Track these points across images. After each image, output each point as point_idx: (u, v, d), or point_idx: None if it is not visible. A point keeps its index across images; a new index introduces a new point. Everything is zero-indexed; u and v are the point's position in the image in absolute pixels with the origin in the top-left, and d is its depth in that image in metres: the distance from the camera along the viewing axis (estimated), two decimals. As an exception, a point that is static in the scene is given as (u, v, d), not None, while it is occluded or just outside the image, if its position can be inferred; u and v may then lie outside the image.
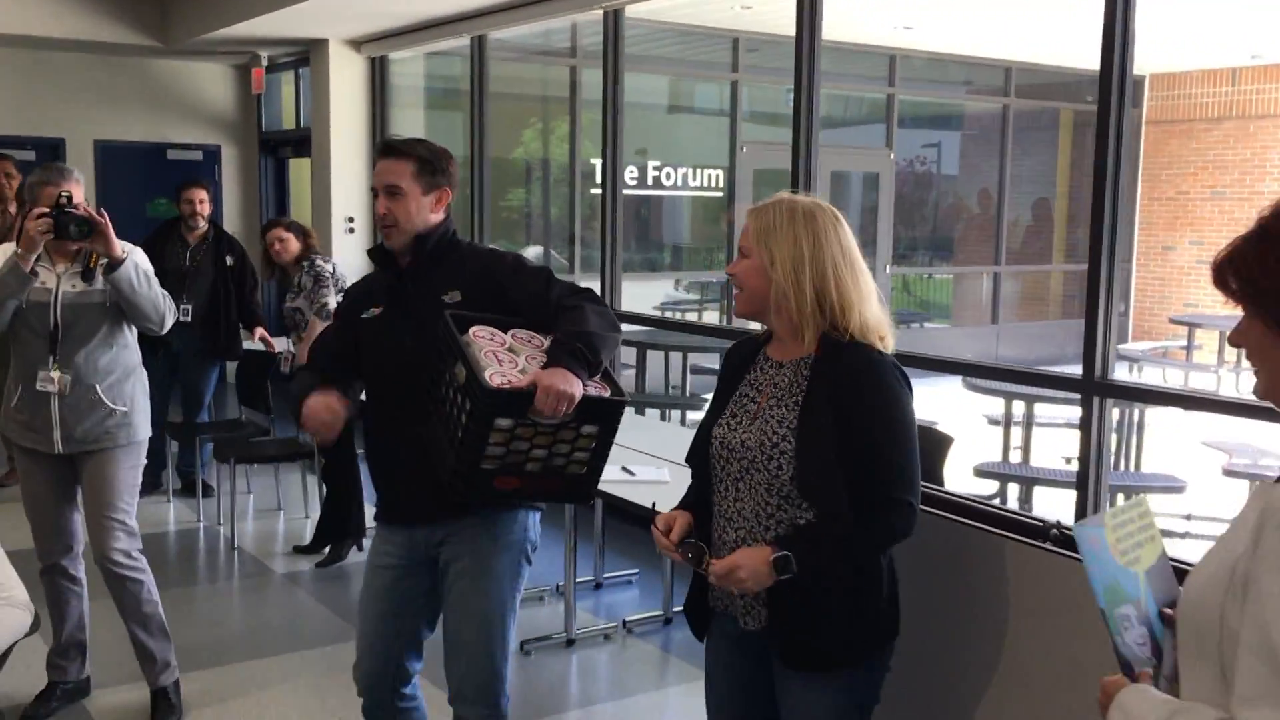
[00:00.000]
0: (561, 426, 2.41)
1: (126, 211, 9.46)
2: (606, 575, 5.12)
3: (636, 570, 5.20)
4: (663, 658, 4.44)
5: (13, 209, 6.24)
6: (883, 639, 2.24)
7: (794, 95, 4.97)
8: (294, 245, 5.56)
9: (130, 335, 3.63)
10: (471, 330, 2.53)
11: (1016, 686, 2.49)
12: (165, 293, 3.57)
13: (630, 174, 10.20)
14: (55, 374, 3.45)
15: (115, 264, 3.38)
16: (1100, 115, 3.81)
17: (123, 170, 9.54)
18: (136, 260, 3.47)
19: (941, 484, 4.17)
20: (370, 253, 2.85)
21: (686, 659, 4.36)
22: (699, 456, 2.31)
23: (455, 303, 2.63)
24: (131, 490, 3.60)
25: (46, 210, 3.30)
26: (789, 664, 2.21)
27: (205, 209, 6.32)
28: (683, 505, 2.35)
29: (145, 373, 3.68)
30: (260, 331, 6.41)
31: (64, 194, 3.33)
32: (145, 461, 3.70)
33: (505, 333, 2.56)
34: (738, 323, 10.53)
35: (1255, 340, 1.45)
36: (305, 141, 9.01)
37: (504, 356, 2.49)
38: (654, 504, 2.58)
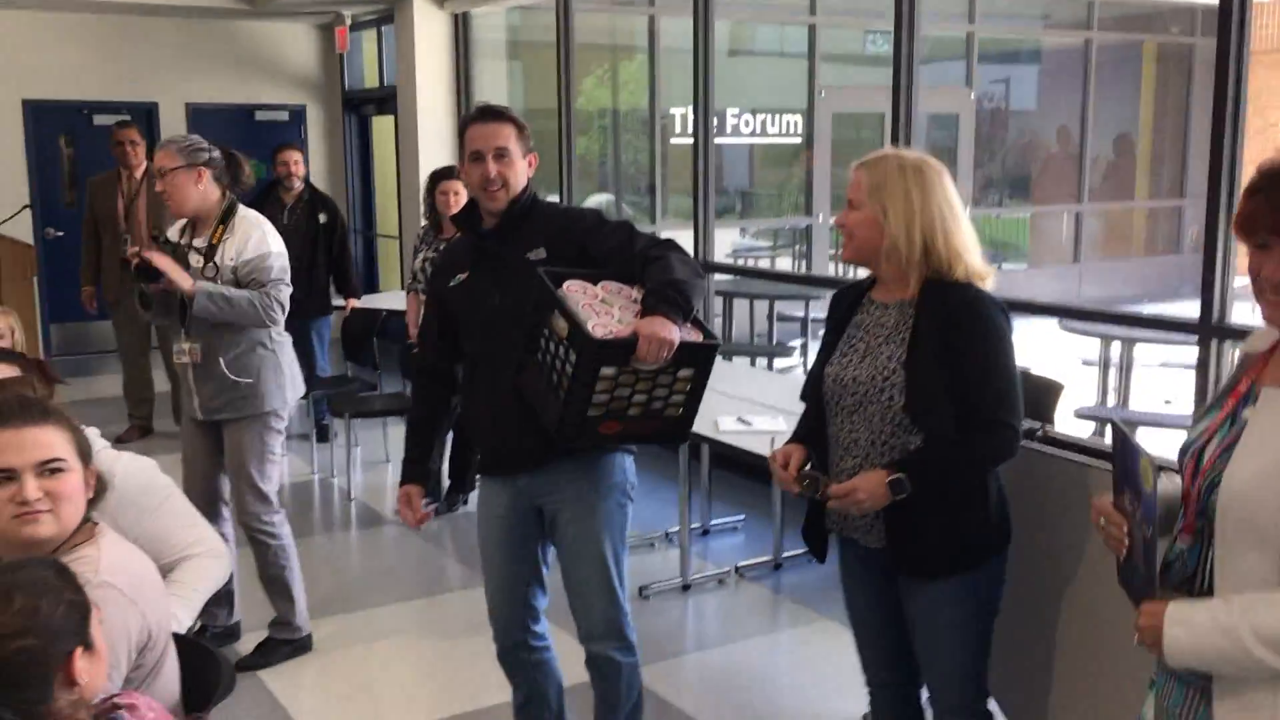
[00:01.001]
0: (661, 372, 2.54)
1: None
2: (714, 522, 5.24)
3: (743, 517, 5.31)
4: (774, 601, 4.56)
5: (138, 174, 6.45)
6: (993, 548, 2.46)
7: (894, 36, 4.96)
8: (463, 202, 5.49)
9: None
10: (565, 284, 2.65)
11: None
12: (261, 293, 3.70)
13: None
14: (187, 345, 3.68)
15: (189, 299, 3.57)
16: (1220, 43, 3.77)
17: (213, 132, 9.52)
18: (208, 289, 3.59)
19: (1051, 423, 4.24)
20: (455, 218, 3.02)
21: (798, 602, 4.48)
22: (813, 394, 2.53)
23: (540, 260, 2.75)
24: (261, 457, 3.81)
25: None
26: (909, 573, 2.44)
27: (299, 170, 6.52)
28: (795, 439, 2.58)
29: (282, 346, 3.86)
30: (352, 304, 6.58)
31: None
32: (280, 430, 3.89)
33: (596, 285, 2.68)
34: (819, 269, 10.55)
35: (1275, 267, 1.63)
36: (388, 100, 9.13)
37: (599, 308, 2.62)
38: (772, 441, 2.69)
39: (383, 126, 9.78)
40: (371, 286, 9.88)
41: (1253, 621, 1.60)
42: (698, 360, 2.59)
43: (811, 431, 2.55)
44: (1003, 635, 2.53)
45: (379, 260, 10.41)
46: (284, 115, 10.03)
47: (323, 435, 6.52)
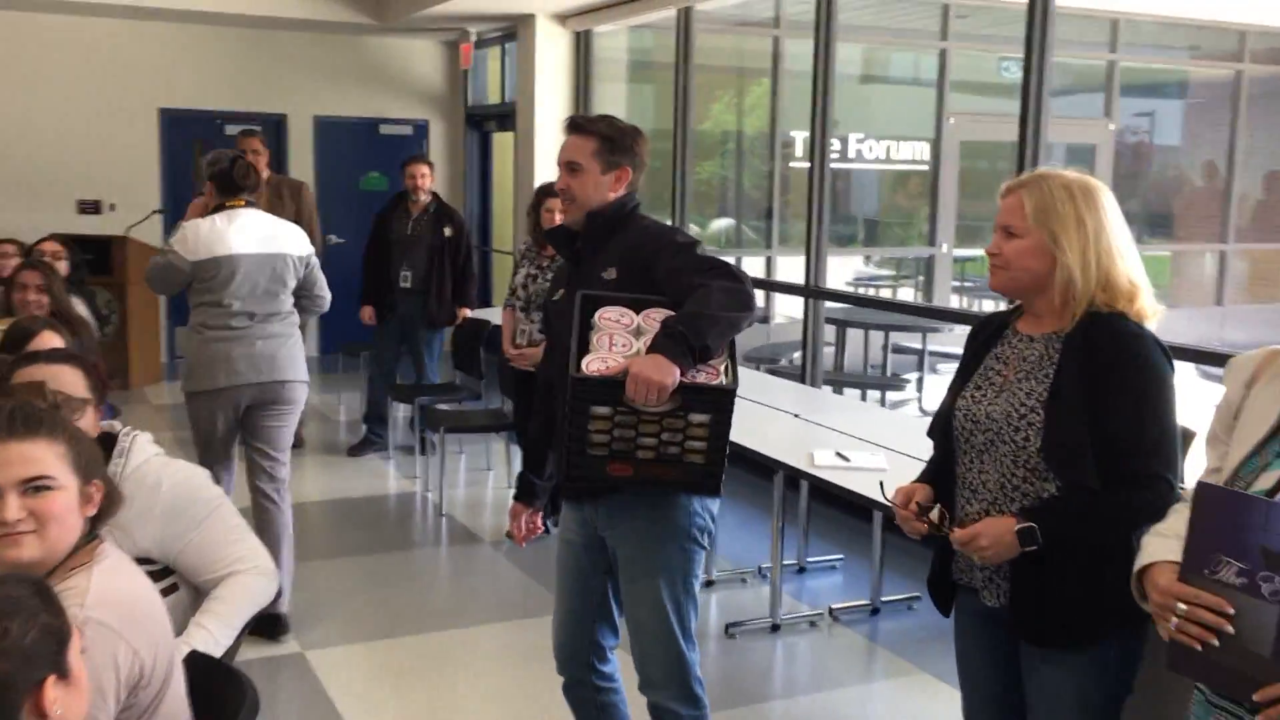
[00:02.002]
0: (668, 415, 2.35)
1: (341, 185, 9.88)
2: (810, 559, 5.01)
3: (841, 556, 5.07)
4: (870, 649, 4.31)
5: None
6: (1132, 620, 2.10)
7: (1024, 63, 4.69)
8: None
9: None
10: (601, 311, 2.51)
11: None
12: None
13: (832, 147, 9.97)
14: None
15: None
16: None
17: (338, 145, 9.92)
18: None
19: (1181, 480, 3.92)
20: (549, 233, 2.91)
21: (895, 651, 4.23)
22: (941, 430, 2.29)
23: (610, 280, 2.62)
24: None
25: None
26: (1031, 640, 2.17)
27: (425, 183, 6.62)
28: (920, 479, 2.34)
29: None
30: (464, 314, 6.64)
31: None
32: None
33: (638, 313, 2.52)
34: (940, 300, 10.19)
35: None
36: (509, 116, 9.16)
37: (622, 340, 2.46)
38: (881, 483, 2.47)
39: (503, 143, 9.82)
40: (485, 301, 9.92)
41: None
42: (709, 405, 2.37)
43: (940, 473, 2.31)
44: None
45: (493, 275, 10.45)
46: (408, 130, 10.16)
47: (425, 447, 6.53)
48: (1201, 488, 1.67)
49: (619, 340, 2.46)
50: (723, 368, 2.44)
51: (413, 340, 6.70)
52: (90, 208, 9.14)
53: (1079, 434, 2.05)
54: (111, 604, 1.67)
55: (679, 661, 2.70)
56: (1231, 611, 1.58)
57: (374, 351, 6.91)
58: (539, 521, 2.93)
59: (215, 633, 2.18)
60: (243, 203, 4.23)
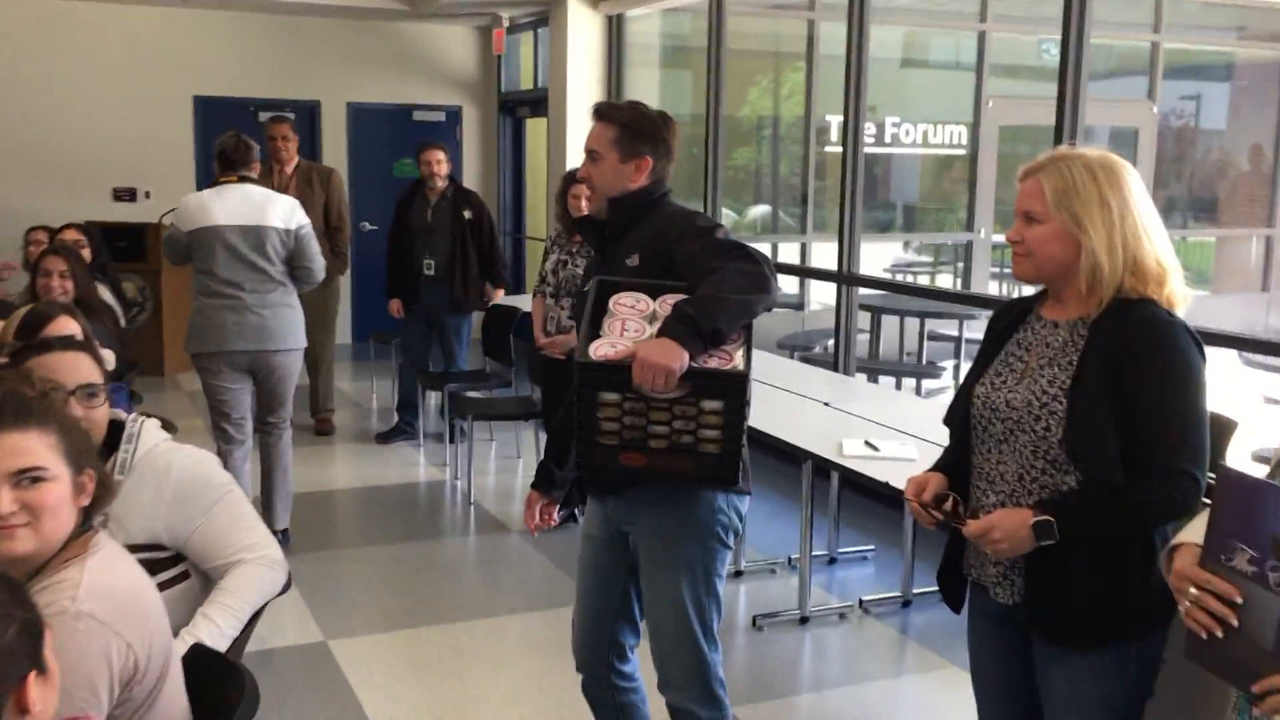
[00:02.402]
0: (679, 401, 2.27)
1: (374, 172, 9.88)
2: (841, 550, 4.93)
3: (873, 547, 4.99)
4: (900, 641, 4.24)
5: (289, 170, 6.55)
6: (1151, 620, 2.04)
7: (1061, 45, 4.57)
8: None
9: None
10: (617, 296, 2.45)
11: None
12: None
13: (867, 131, 9.85)
14: None
15: None
16: None
17: (371, 131, 9.92)
18: None
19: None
20: (578, 222, 2.87)
21: (926, 645, 4.15)
22: (958, 418, 2.20)
23: (633, 267, 2.57)
24: None
25: None
26: (1047, 638, 2.08)
27: (442, 169, 6.54)
28: (936, 468, 2.24)
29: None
30: (498, 294, 6.60)
31: None
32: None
33: (655, 300, 2.45)
34: (978, 287, 10.04)
35: None
36: (542, 102, 9.11)
37: (635, 326, 2.39)
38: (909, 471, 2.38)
39: (536, 129, 9.78)
40: (518, 288, 9.89)
41: None
42: (721, 391, 2.28)
43: (956, 461, 2.21)
44: None
45: (526, 262, 10.42)
46: (440, 116, 10.14)
47: (454, 435, 6.52)
48: (1222, 473, 1.60)
49: (631, 326, 2.39)
50: (738, 353, 2.36)
51: (440, 327, 6.67)
52: (126, 195, 9.20)
53: (1103, 425, 1.96)
54: (104, 597, 1.64)
55: (699, 662, 2.64)
56: (1240, 600, 1.54)
57: (403, 339, 6.90)
58: (554, 513, 2.88)
59: (221, 625, 2.15)
60: (236, 178, 4.65)
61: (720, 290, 2.34)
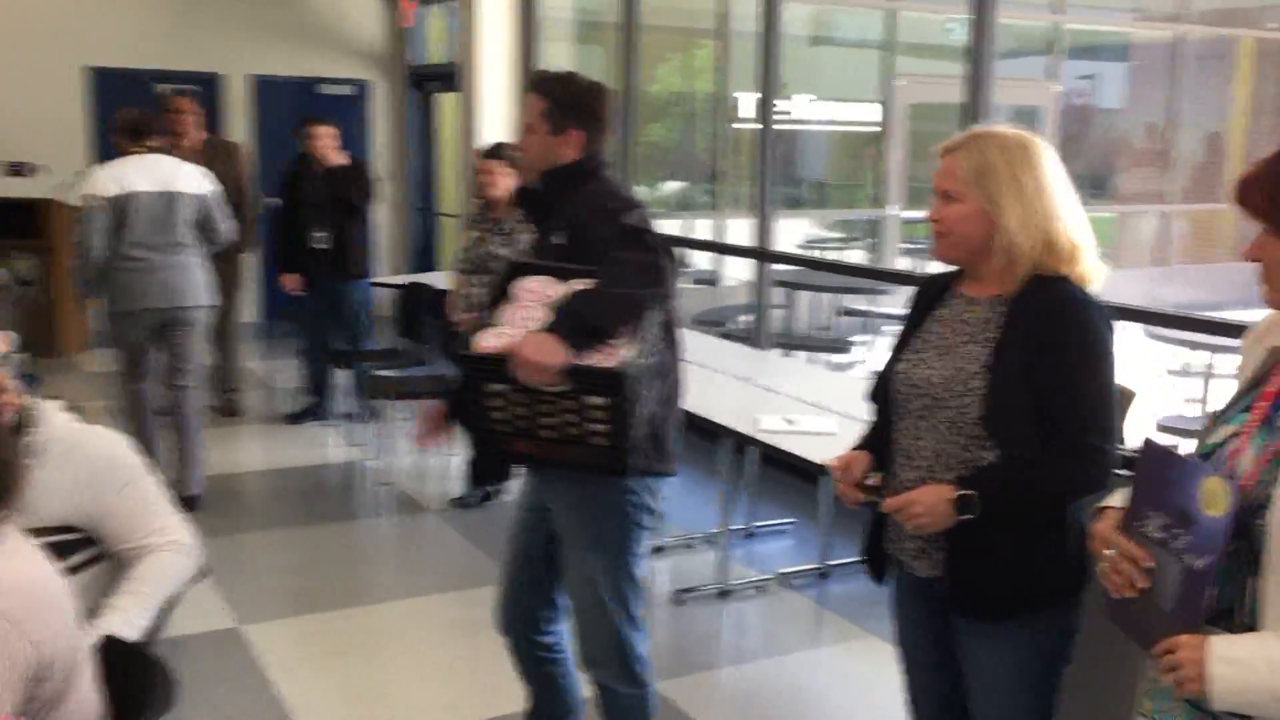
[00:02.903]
0: (563, 396, 2.29)
1: (279, 146, 9.61)
2: (758, 524, 4.97)
3: (791, 520, 5.04)
4: (818, 613, 4.29)
5: (190, 144, 6.34)
6: (1067, 590, 2.09)
7: (970, 24, 4.63)
8: (504, 182, 4.91)
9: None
10: (522, 281, 2.44)
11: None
12: None
13: (780, 108, 9.89)
14: None
15: None
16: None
17: (275, 105, 9.65)
18: None
19: (1123, 441, 3.91)
20: (518, 194, 2.89)
21: (844, 615, 4.20)
22: (881, 394, 2.21)
23: (560, 245, 2.54)
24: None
25: None
26: (962, 612, 2.12)
27: (325, 143, 6.35)
28: (861, 445, 2.26)
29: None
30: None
31: None
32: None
33: (565, 283, 2.41)
34: (889, 263, 10.18)
35: (1272, 256, 1.57)
36: (452, 76, 8.96)
37: (533, 314, 2.37)
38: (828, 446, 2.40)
39: (447, 103, 9.63)
40: (429, 264, 9.75)
41: None
42: (603, 388, 2.27)
43: (879, 438, 2.23)
44: (1074, 689, 2.18)
45: (437, 239, 10.27)
46: (348, 89, 9.92)
47: (366, 415, 6.39)
48: (1146, 444, 1.66)
49: (531, 314, 2.37)
50: (625, 349, 2.32)
51: (337, 299, 6.50)
52: (19, 170, 8.83)
53: (1020, 402, 1.99)
54: (8, 592, 1.55)
55: (617, 640, 2.65)
56: (1151, 565, 1.60)
57: (302, 318, 6.73)
58: (443, 419, 2.72)
59: (131, 614, 2.07)
60: (144, 148, 4.92)
61: (610, 284, 2.32)
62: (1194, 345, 6.22)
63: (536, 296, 2.41)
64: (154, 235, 4.86)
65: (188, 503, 4.81)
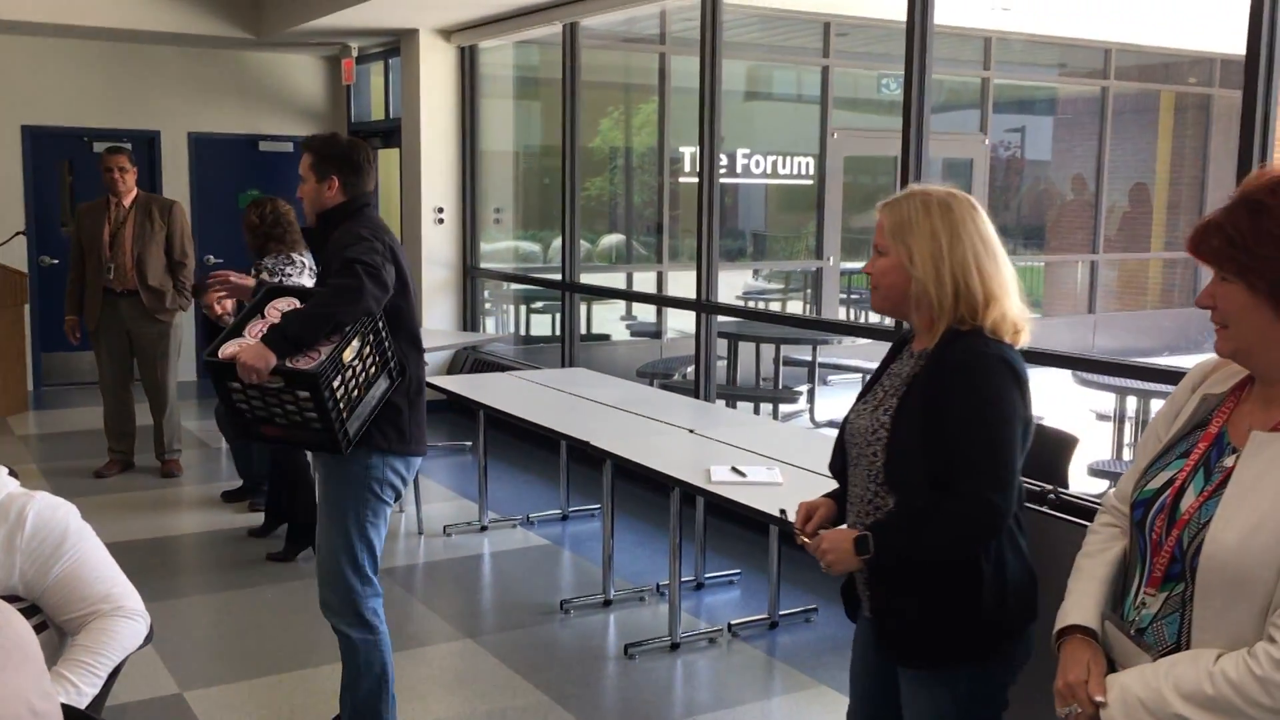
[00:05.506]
0: (281, 391, 2.87)
1: (219, 203, 9.57)
2: (708, 575, 4.98)
3: (739, 571, 5.06)
4: (768, 664, 4.30)
5: (126, 202, 6.28)
6: (984, 645, 2.12)
7: (905, 80, 4.77)
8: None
9: None
10: (272, 302, 3.02)
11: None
12: None
13: (720, 163, 10.02)
14: None
15: None
16: (1246, 93, 3.57)
17: (215, 162, 9.62)
18: None
19: (1065, 486, 3.99)
20: (304, 232, 3.55)
21: (794, 665, 4.22)
22: (838, 442, 2.33)
23: (323, 273, 3.16)
24: None
25: None
26: (882, 655, 2.23)
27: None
28: (831, 493, 2.37)
29: None
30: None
31: None
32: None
33: (303, 303, 2.99)
34: (829, 313, 10.32)
35: (1231, 303, 1.60)
36: (394, 132, 9.00)
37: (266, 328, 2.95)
38: (782, 511, 2.47)
39: (389, 159, 9.64)
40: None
41: (1175, 676, 1.53)
42: (304, 384, 2.83)
43: (843, 485, 2.34)
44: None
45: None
46: (288, 146, 9.91)
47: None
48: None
49: (264, 328, 2.92)
50: (326, 352, 2.86)
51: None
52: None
53: (913, 451, 2.08)
54: None
55: (349, 593, 3.17)
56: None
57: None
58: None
59: (80, 684, 2.03)
60: None
61: (313, 305, 2.93)
62: (1122, 391, 6.38)
63: (277, 314, 2.97)
64: None
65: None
